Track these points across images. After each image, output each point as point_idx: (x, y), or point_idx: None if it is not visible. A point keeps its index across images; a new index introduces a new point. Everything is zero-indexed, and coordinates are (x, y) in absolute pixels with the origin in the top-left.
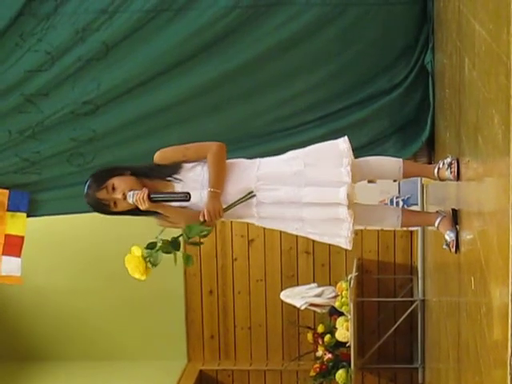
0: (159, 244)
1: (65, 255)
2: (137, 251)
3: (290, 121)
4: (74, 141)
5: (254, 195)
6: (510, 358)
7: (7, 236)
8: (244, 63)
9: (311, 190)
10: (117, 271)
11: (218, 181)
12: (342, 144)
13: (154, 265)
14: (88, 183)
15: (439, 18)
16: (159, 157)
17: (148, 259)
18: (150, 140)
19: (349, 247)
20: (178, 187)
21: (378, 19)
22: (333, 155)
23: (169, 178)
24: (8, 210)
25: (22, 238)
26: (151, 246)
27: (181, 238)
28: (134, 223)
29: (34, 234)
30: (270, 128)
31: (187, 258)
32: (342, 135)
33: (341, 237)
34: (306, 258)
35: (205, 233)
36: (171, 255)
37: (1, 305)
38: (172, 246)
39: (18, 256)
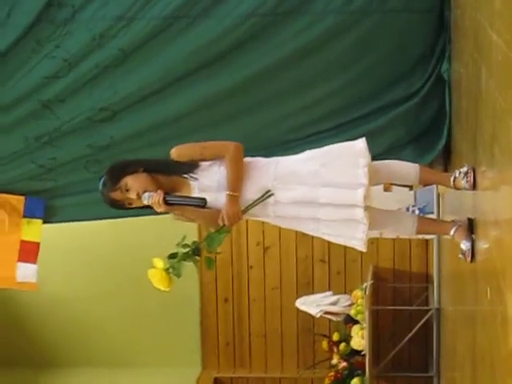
0: (180, 253)
1: (81, 262)
2: (159, 264)
3: (306, 129)
4: (90, 147)
5: (272, 194)
6: None
7: (23, 242)
8: (260, 71)
9: (328, 191)
10: (132, 278)
11: (237, 183)
12: (360, 144)
13: (178, 276)
14: (102, 181)
15: (456, 27)
16: (176, 153)
17: (171, 271)
18: (166, 147)
19: (364, 249)
20: (194, 185)
21: (394, 28)
22: (350, 156)
23: (185, 176)
24: (24, 217)
25: (38, 244)
26: (173, 256)
27: (201, 242)
28: (150, 229)
29: (50, 241)
30: (286, 137)
31: (209, 262)
32: None
33: (356, 239)
34: (322, 266)
35: (224, 236)
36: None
37: (17, 311)
38: (193, 253)
39: (34, 262)
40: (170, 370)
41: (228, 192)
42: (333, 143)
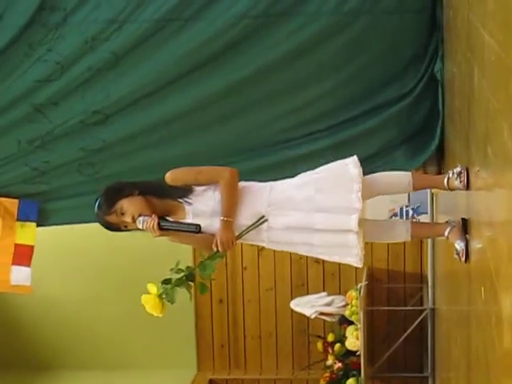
0: (174, 280)
1: (75, 265)
2: (152, 289)
3: (299, 130)
4: (83, 150)
5: (266, 220)
6: None
7: (17, 245)
8: (253, 73)
9: (322, 217)
10: (126, 280)
11: (231, 209)
12: (353, 169)
13: (171, 302)
14: (98, 204)
15: (448, 27)
16: (170, 177)
17: (164, 297)
18: (159, 150)
19: (359, 265)
20: (189, 210)
21: (387, 28)
22: (343, 180)
23: (179, 200)
24: (18, 220)
25: (32, 247)
26: (167, 282)
27: (195, 268)
28: (144, 233)
29: (44, 244)
30: (279, 138)
31: (202, 288)
32: (351, 145)
33: (351, 256)
34: (316, 267)
35: (217, 262)
36: None
37: (12, 314)
38: (187, 279)
39: (28, 265)
40: (165, 371)
41: (222, 218)
42: (326, 144)
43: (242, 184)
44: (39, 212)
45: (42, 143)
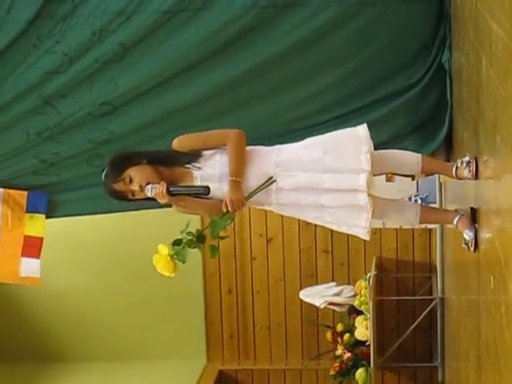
0: (185, 240)
1: (84, 256)
2: (164, 250)
3: (308, 120)
4: (91, 142)
5: (275, 180)
6: None
7: (26, 237)
8: (261, 63)
9: (331, 177)
10: (136, 271)
11: (239, 169)
12: (362, 131)
13: (183, 261)
14: (105, 172)
15: (456, 16)
16: (178, 144)
17: (176, 257)
18: (167, 141)
19: (367, 238)
20: (197, 175)
21: (394, 18)
22: (352, 142)
23: (187, 166)
24: (27, 212)
25: (41, 239)
26: (178, 243)
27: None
28: (155, 223)
29: (53, 236)
30: (288, 127)
31: (213, 250)
32: None
33: (359, 227)
34: (325, 257)
35: (228, 224)
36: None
37: (20, 306)
38: (198, 239)
39: (38, 257)
40: (175, 362)
41: (230, 177)
42: None
43: (250, 147)
44: (48, 204)
45: (50, 135)
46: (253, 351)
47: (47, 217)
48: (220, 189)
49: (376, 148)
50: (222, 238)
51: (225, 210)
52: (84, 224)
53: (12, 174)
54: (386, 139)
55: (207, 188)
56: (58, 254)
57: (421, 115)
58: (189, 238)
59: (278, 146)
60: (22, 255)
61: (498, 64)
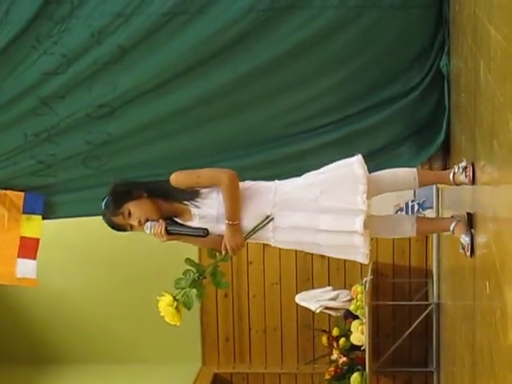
0: (187, 281)
1: (81, 258)
2: (168, 298)
3: (306, 124)
4: (89, 143)
5: (272, 219)
6: None
7: (23, 238)
8: (259, 67)
9: (327, 218)
10: (132, 274)
11: (234, 212)
12: (358, 169)
13: (189, 308)
14: (105, 203)
15: (455, 21)
16: (175, 180)
17: (181, 302)
18: (165, 143)
19: (366, 262)
20: (195, 212)
21: (393, 23)
22: (349, 182)
23: (186, 203)
24: (24, 213)
25: (38, 240)
26: (180, 286)
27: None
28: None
29: (50, 237)
30: (286, 131)
31: (219, 282)
32: (357, 140)
33: (358, 254)
34: (321, 262)
35: (228, 259)
36: None
37: (17, 308)
38: (199, 278)
39: (34, 258)
40: (170, 365)
41: (227, 222)
42: (333, 137)
43: (247, 184)
44: (45, 205)
45: (48, 136)
46: (248, 355)
47: (44, 218)
48: (218, 227)
49: (373, 153)
50: (226, 260)
51: (224, 253)
52: (80, 226)
53: (9, 175)
54: (383, 144)
55: (205, 231)
56: (54, 255)
57: (418, 120)
58: (191, 279)
59: (275, 185)
60: (19, 256)
61: (496, 69)
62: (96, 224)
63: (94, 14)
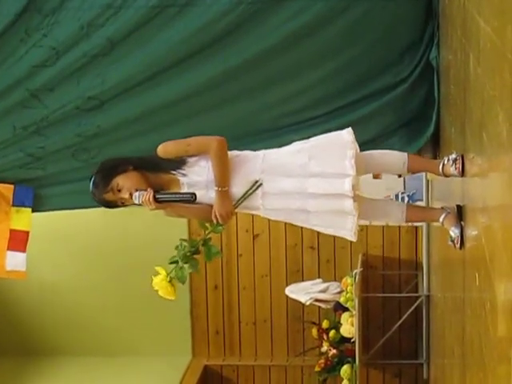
0: (180, 256)
1: (70, 251)
2: (162, 273)
3: (296, 116)
4: (78, 136)
5: (261, 184)
6: None
7: (12, 231)
8: (249, 58)
9: (316, 181)
10: (122, 267)
11: (223, 178)
12: (347, 136)
13: (182, 282)
14: (92, 182)
15: (444, 14)
16: (162, 151)
17: (175, 277)
18: (155, 135)
19: (354, 239)
20: (183, 181)
21: (383, 15)
22: (337, 148)
23: (173, 172)
24: (13, 205)
25: (27, 233)
26: (175, 261)
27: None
28: (140, 218)
29: (39, 230)
30: (277, 123)
31: (211, 253)
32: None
33: (346, 229)
34: (311, 254)
35: (220, 231)
36: None
37: (7, 300)
38: (192, 253)
39: (23, 251)
40: (160, 358)
41: (216, 188)
42: (323, 129)
43: (235, 153)
44: (34, 197)
45: (37, 129)
46: (238, 347)
47: (33, 211)
48: (207, 195)
49: (363, 145)
50: (218, 231)
51: (215, 222)
52: (70, 218)
53: None
54: (373, 136)
55: (194, 195)
56: (44, 248)
57: (408, 112)
58: (183, 252)
59: (263, 152)
60: (8, 249)
61: (485, 62)
62: (86, 216)
63: (83, 6)
